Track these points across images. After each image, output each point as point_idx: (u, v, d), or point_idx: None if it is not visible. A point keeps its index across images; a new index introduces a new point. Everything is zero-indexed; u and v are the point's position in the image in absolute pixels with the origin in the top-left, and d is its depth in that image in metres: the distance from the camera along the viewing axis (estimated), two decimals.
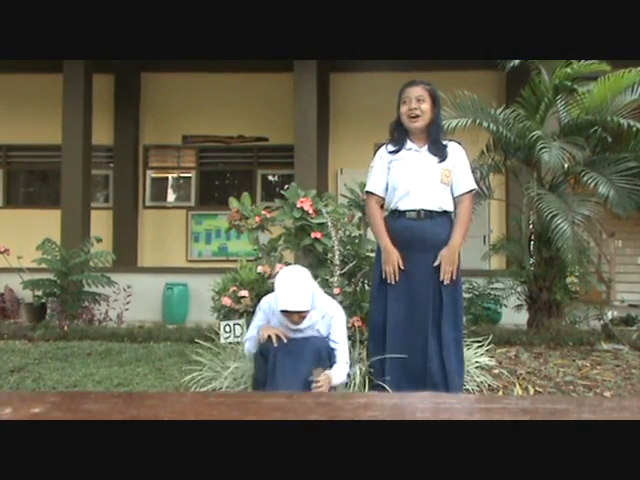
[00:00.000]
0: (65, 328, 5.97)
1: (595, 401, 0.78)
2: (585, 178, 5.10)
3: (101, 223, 8.68)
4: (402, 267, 3.28)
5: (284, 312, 3.06)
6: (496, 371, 4.07)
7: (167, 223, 9.50)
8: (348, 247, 4.29)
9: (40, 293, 6.45)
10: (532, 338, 5.34)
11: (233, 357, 3.76)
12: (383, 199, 3.46)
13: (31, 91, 9.16)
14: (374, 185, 3.45)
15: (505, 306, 6.65)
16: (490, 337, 4.45)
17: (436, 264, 3.26)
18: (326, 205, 4.16)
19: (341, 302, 3.78)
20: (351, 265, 4.19)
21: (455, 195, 3.37)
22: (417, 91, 3.34)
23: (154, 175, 9.72)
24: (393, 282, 3.29)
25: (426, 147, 3.37)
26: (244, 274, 4.24)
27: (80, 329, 5.97)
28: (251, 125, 9.24)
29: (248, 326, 3.98)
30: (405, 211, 3.33)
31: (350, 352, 3.36)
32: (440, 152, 3.34)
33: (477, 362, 3.86)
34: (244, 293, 4.08)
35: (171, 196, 9.86)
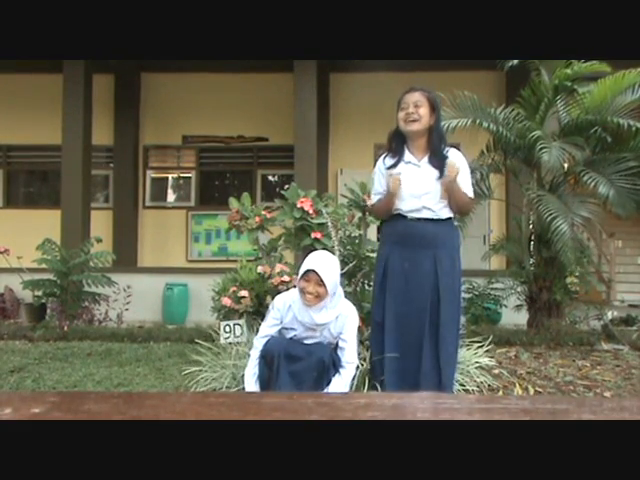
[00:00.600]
0: (65, 328, 5.97)
1: (595, 401, 0.78)
2: (585, 178, 5.10)
3: (101, 223, 8.68)
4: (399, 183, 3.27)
5: (304, 280, 3.12)
6: (496, 371, 4.07)
7: (167, 223, 9.50)
8: (348, 247, 4.29)
9: (40, 293, 6.45)
10: (532, 338, 5.34)
11: (233, 357, 3.76)
12: None
13: (31, 91, 9.16)
14: (376, 199, 3.47)
15: (505, 306, 6.66)
16: (490, 337, 4.46)
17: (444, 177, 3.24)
18: (326, 205, 4.16)
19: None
20: (351, 265, 4.19)
21: None
22: (415, 97, 3.29)
23: (154, 175, 9.72)
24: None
25: (426, 159, 3.32)
26: (244, 274, 4.23)
27: (80, 329, 5.97)
28: (251, 125, 9.24)
29: (248, 326, 3.99)
30: (407, 214, 3.34)
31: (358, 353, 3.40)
32: (440, 164, 3.28)
33: (477, 362, 3.86)
34: (244, 293, 4.08)
35: (171, 196, 9.86)
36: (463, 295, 6.83)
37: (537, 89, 5.49)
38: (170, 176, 9.81)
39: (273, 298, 3.49)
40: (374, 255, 3.88)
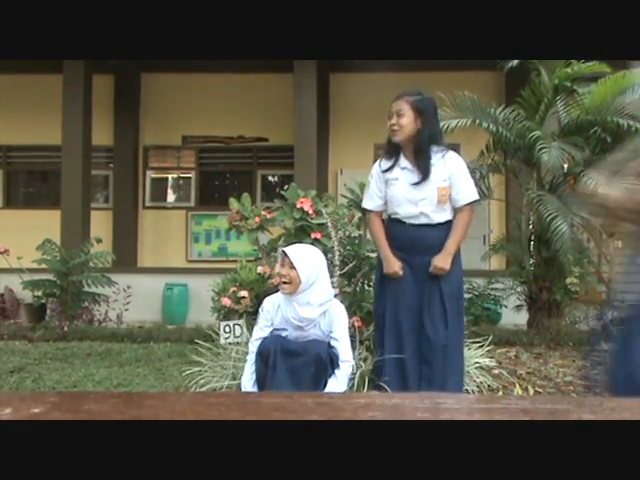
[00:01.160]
0: (65, 328, 5.97)
1: (595, 401, 0.78)
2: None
3: (101, 223, 8.68)
4: (402, 275, 3.28)
5: (279, 264, 3.29)
6: (496, 371, 4.07)
7: (167, 223, 9.50)
8: (348, 247, 4.29)
9: (40, 293, 6.46)
10: (532, 338, 5.34)
11: (233, 357, 3.76)
12: (382, 212, 3.48)
13: (31, 92, 9.15)
14: (372, 203, 3.45)
15: (505, 306, 6.65)
16: (490, 337, 4.45)
17: (430, 270, 3.25)
18: (326, 206, 4.16)
19: (341, 302, 3.78)
20: (351, 265, 4.19)
21: (455, 207, 3.35)
22: (397, 105, 3.28)
23: (154, 175, 9.72)
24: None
25: (410, 164, 3.33)
26: (244, 274, 4.24)
27: (80, 329, 5.97)
28: (251, 125, 9.23)
29: (248, 326, 3.98)
30: (404, 219, 3.34)
31: (353, 349, 3.39)
32: (425, 166, 3.26)
33: (477, 362, 3.86)
34: (244, 293, 4.08)
35: (171, 196, 9.86)
36: (464, 296, 6.87)
37: (537, 89, 5.50)
38: (170, 176, 9.81)
39: None
40: (374, 255, 3.88)
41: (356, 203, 4.30)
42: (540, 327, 5.59)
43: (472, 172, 5.68)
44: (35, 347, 5.30)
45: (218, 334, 4.02)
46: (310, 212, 4.02)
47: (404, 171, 3.32)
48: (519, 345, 5.20)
